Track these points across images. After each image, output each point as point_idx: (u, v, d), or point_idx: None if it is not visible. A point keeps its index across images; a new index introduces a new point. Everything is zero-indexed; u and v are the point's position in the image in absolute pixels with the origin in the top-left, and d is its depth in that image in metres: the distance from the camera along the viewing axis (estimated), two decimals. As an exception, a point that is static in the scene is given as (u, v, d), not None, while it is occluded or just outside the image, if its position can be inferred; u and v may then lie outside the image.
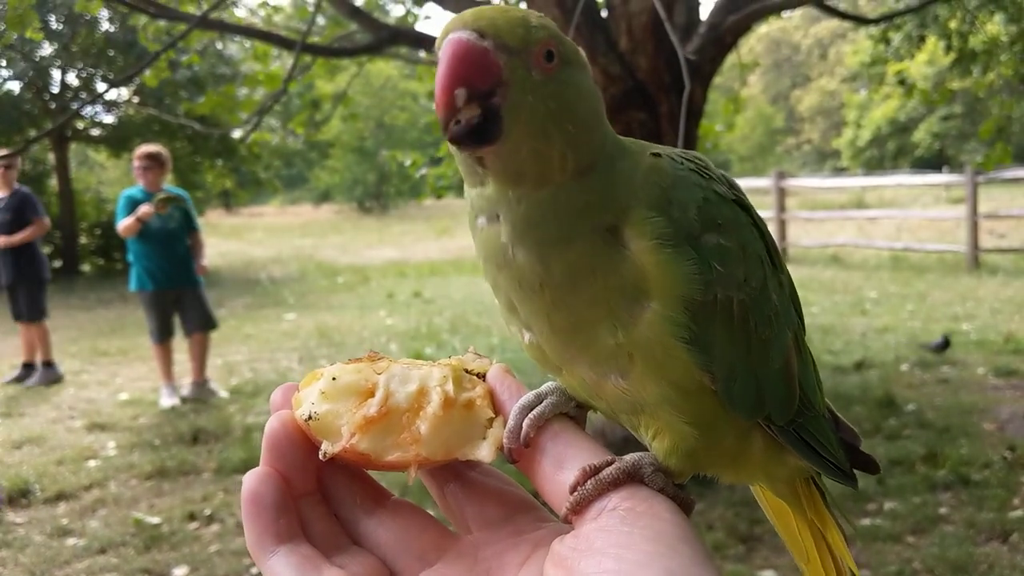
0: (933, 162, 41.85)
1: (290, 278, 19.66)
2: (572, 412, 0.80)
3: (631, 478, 0.72)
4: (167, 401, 8.25)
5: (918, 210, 22.74)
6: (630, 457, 0.73)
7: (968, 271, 15.07)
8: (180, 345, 8.61)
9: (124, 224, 8.02)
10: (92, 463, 6.69)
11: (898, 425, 6.56)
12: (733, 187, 0.83)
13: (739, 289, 0.77)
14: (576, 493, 0.71)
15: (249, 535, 0.73)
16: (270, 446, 0.76)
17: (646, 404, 0.77)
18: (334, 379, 0.79)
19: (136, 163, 8.18)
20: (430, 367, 0.81)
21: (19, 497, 6.00)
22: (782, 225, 18.80)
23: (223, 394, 8.45)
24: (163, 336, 8.38)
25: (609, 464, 0.72)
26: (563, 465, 0.73)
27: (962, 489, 5.36)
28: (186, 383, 8.61)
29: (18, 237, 9.17)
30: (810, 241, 19.42)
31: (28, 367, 9.59)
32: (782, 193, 19.08)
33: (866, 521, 4.94)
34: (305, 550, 0.72)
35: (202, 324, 8.48)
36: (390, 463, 0.75)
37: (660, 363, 0.74)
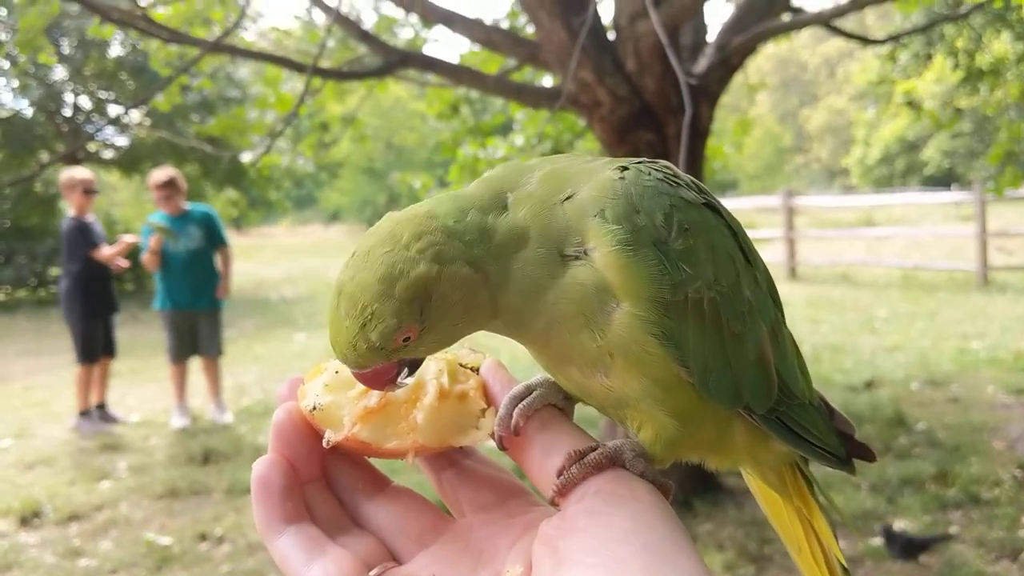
0: (942, 180, 41.81)
1: (300, 298, 19.72)
2: (560, 403, 0.84)
3: (613, 462, 0.76)
4: (178, 422, 8.27)
5: (928, 228, 22.69)
6: (612, 443, 0.77)
7: (978, 289, 15.02)
8: (192, 365, 8.62)
9: (144, 260, 8.18)
10: (104, 484, 6.72)
11: (908, 444, 6.55)
12: (702, 191, 0.86)
13: (709, 288, 0.80)
14: (562, 477, 0.75)
15: (258, 517, 0.78)
16: (277, 435, 0.82)
17: (629, 399, 0.81)
18: (337, 372, 0.84)
19: (156, 193, 8.18)
20: (427, 361, 0.86)
21: (31, 518, 6.03)
22: (791, 244, 18.79)
23: (227, 418, 8.46)
24: (180, 356, 8.41)
25: (593, 450, 0.76)
26: (550, 451, 0.78)
27: (972, 508, 5.35)
28: (194, 404, 8.64)
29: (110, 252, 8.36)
30: (819, 259, 19.39)
31: (102, 407, 8.71)
32: (791, 212, 19.07)
33: (877, 541, 4.93)
34: (311, 531, 0.78)
35: (208, 349, 8.51)
36: (389, 451, 0.80)
37: (638, 359, 0.78)
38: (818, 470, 1.04)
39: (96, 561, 5.31)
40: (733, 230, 0.88)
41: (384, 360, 0.78)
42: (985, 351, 9.73)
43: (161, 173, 8.28)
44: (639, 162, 0.85)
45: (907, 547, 4.56)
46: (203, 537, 5.57)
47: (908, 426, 6.97)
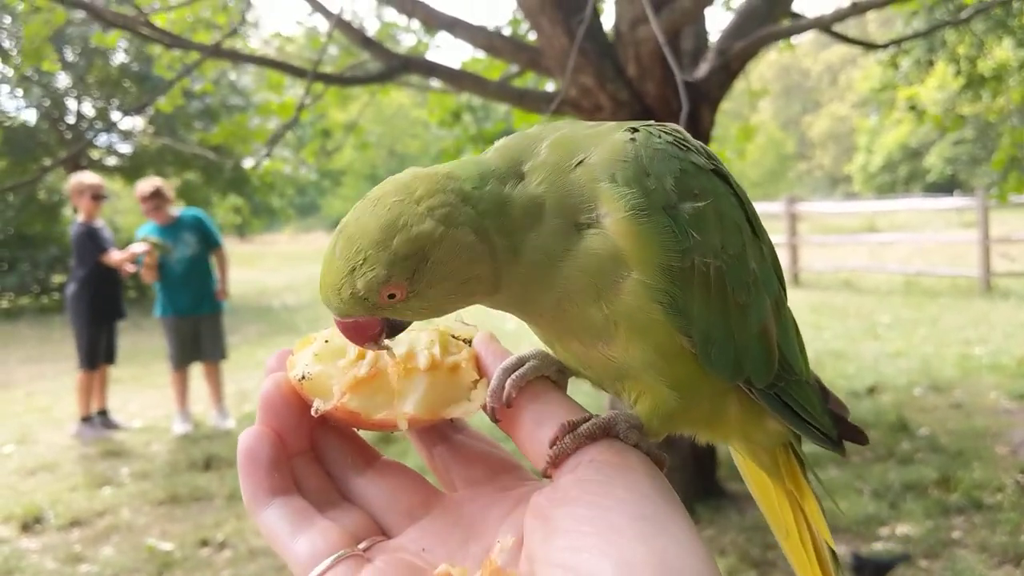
0: (945, 186, 41.81)
1: (303, 305, 19.70)
2: (553, 375, 0.83)
3: (606, 433, 0.75)
4: (180, 428, 8.27)
5: (930, 234, 22.66)
6: (606, 414, 0.76)
7: (981, 295, 15.00)
8: (194, 371, 8.62)
9: (142, 275, 8.23)
10: (106, 490, 6.72)
11: (911, 449, 6.53)
12: (711, 157, 0.85)
13: (716, 256, 0.79)
14: (555, 447, 0.73)
15: (245, 490, 0.77)
16: (265, 406, 0.81)
17: (630, 369, 0.80)
18: (327, 342, 0.83)
19: (143, 205, 8.13)
20: (418, 332, 0.85)
21: (33, 523, 6.03)
22: (794, 250, 18.76)
23: (229, 424, 8.46)
24: (181, 363, 8.40)
25: (586, 420, 0.75)
26: (543, 423, 0.76)
27: (975, 513, 5.34)
28: (196, 410, 8.63)
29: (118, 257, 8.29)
30: (822, 266, 19.37)
31: (103, 413, 8.69)
32: (793, 218, 19.06)
33: (879, 545, 4.92)
34: (298, 503, 0.76)
35: (211, 353, 8.51)
36: (379, 421, 0.79)
37: (642, 328, 0.77)
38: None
39: (97, 567, 5.30)
40: (741, 199, 0.87)
41: (366, 313, 0.77)
42: (988, 357, 9.70)
43: (146, 184, 8.18)
44: (648, 125, 0.84)
45: (877, 570, 4.45)
46: (204, 543, 5.56)
47: (911, 431, 6.96)
